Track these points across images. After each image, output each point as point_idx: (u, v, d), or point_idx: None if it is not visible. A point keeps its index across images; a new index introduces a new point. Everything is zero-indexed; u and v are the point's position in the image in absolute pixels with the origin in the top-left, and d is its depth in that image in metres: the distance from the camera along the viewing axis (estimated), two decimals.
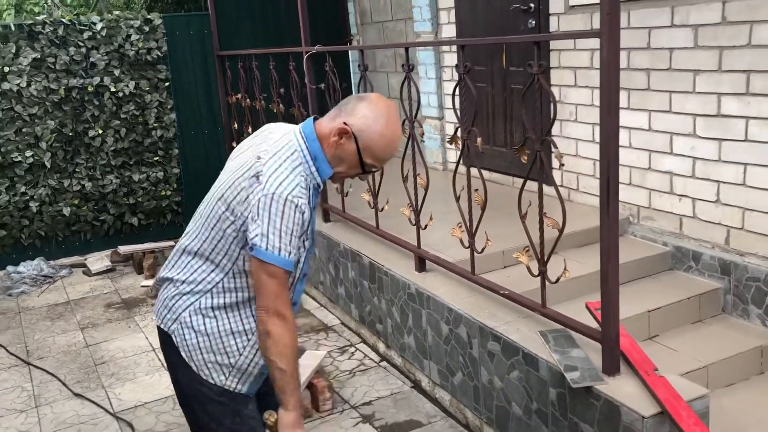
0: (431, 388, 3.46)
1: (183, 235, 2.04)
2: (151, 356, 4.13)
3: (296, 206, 1.78)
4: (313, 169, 1.89)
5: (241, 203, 1.83)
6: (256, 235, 1.77)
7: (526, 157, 2.65)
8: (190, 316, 1.94)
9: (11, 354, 4.27)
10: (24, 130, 5.64)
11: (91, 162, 5.96)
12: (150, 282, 5.27)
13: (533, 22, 4.37)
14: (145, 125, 6.10)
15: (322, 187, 1.94)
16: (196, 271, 1.94)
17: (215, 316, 1.93)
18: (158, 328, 2.02)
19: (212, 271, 1.92)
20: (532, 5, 4.38)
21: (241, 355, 1.95)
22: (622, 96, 3.80)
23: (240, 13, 6.47)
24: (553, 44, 4.26)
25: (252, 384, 2.01)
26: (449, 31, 5.28)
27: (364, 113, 1.88)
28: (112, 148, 5.99)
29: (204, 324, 1.93)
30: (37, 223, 5.84)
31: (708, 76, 3.32)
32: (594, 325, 2.57)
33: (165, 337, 2.00)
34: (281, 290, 1.82)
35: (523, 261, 2.76)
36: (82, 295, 5.27)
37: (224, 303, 1.93)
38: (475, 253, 3.14)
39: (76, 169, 5.91)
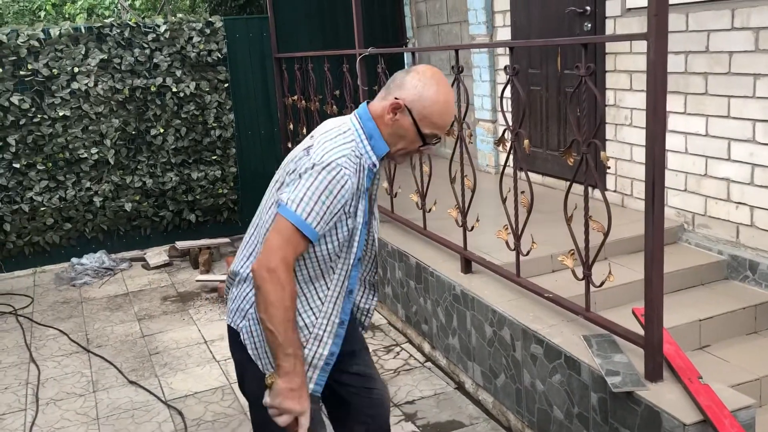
0: (474, 390, 3.46)
1: (248, 230, 2.04)
2: (202, 348, 4.25)
3: (337, 173, 1.75)
4: (368, 147, 1.87)
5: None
6: (284, 194, 1.77)
7: (572, 160, 2.63)
8: (257, 312, 1.90)
9: (73, 341, 4.47)
10: (90, 128, 5.89)
11: (152, 160, 6.18)
12: (205, 277, 5.43)
13: (589, 25, 4.32)
14: (205, 125, 6.29)
15: (377, 166, 1.91)
16: None
17: None
18: (228, 326, 2.01)
19: None
20: (588, 8, 4.33)
21: (304, 348, 1.92)
22: (679, 100, 3.72)
23: (298, 16, 6.60)
24: (609, 47, 4.21)
25: (318, 379, 1.97)
26: (504, 34, 5.26)
27: (413, 83, 1.86)
28: (173, 147, 6.20)
29: None
30: (100, 218, 6.09)
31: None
32: (639, 331, 2.53)
33: (233, 335, 1.98)
34: (282, 246, 1.74)
35: (568, 264, 2.74)
36: (141, 287, 5.47)
37: None
38: (521, 256, 3.13)
39: (138, 167, 6.14)
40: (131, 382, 3.86)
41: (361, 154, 1.84)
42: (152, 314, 4.88)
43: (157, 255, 6.09)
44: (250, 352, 1.93)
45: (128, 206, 6.12)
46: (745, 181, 3.41)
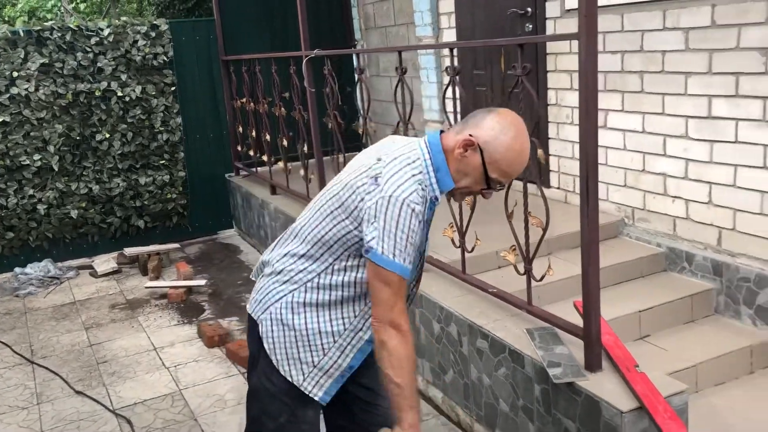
0: (424, 387, 3.50)
1: (293, 224, 2.02)
2: (152, 355, 4.19)
3: (413, 211, 1.73)
4: (434, 180, 1.82)
5: (355, 202, 1.80)
6: (372, 238, 1.73)
7: None
8: (281, 309, 1.92)
9: (16, 353, 4.35)
10: (32, 133, 5.75)
11: (99, 165, 6.06)
12: (155, 283, 5.35)
13: (530, 26, 4.41)
14: (152, 129, 6.20)
15: (439, 201, 1.87)
16: (296, 261, 1.92)
17: (305, 313, 1.91)
18: (248, 315, 2.02)
19: (312, 264, 1.89)
20: (529, 9, 4.42)
21: (325, 355, 1.92)
22: (617, 98, 3.84)
23: (245, 19, 6.56)
24: (550, 48, 4.30)
25: (329, 388, 1.96)
26: (450, 35, 5.33)
27: (491, 125, 1.81)
28: (119, 152, 6.09)
29: (293, 319, 1.91)
30: (44, 225, 5.94)
31: (699, 79, 3.34)
32: (579, 323, 2.60)
33: (253, 326, 2.00)
34: (396, 299, 1.76)
35: (510, 260, 2.80)
36: (88, 296, 5.36)
37: (317, 300, 1.90)
38: (466, 253, 3.19)
39: (84, 173, 6.01)
40: (78, 393, 3.78)
41: (426, 186, 1.80)
42: (100, 323, 4.78)
43: (105, 262, 5.97)
44: (265, 346, 1.94)
45: (74, 213, 5.99)
46: (680, 176, 3.54)
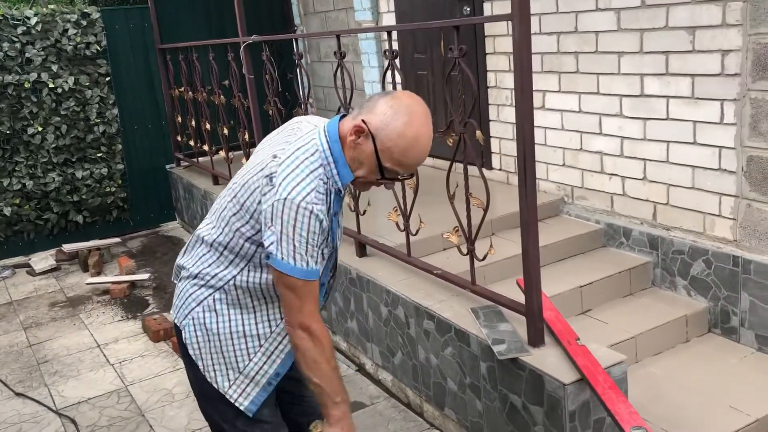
0: (374, 371, 3.52)
1: (201, 223, 1.92)
2: (96, 353, 4.10)
3: (311, 212, 1.63)
4: (335, 172, 1.71)
5: (254, 204, 1.72)
6: (271, 243, 1.65)
7: (451, 141, 2.71)
8: (203, 313, 1.84)
9: None
10: None
11: (32, 160, 5.85)
12: (96, 279, 5.21)
13: (468, 9, 4.44)
14: (87, 121, 6.01)
15: (344, 193, 1.78)
16: (210, 265, 1.83)
17: (228, 315, 1.83)
18: (174, 323, 1.93)
19: (227, 266, 1.81)
20: None
21: (251, 360, 1.85)
22: (554, 79, 3.90)
23: (181, 5, 6.40)
24: (488, 30, 4.34)
25: (255, 397, 1.87)
26: (389, 19, 5.32)
27: (383, 109, 1.67)
28: (53, 146, 5.89)
29: (216, 322, 1.83)
30: None
31: (631, 58, 3.43)
32: (522, 300, 2.65)
33: (178, 333, 1.91)
34: (303, 302, 1.70)
35: (453, 241, 2.83)
36: (26, 295, 5.19)
37: (239, 301, 1.82)
38: (411, 236, 3.21)
39: (16, 168, 5.80)
40: (18, 394, 3.67)
41: (328, 178, 1.70)
42: (40, 322, 4.64)
43: (42, 260, 5.78)
44: (191, 352, 1.87)
45: (8, 211, 5.77)
46: (616, 153, 3.63)
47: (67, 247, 5.82)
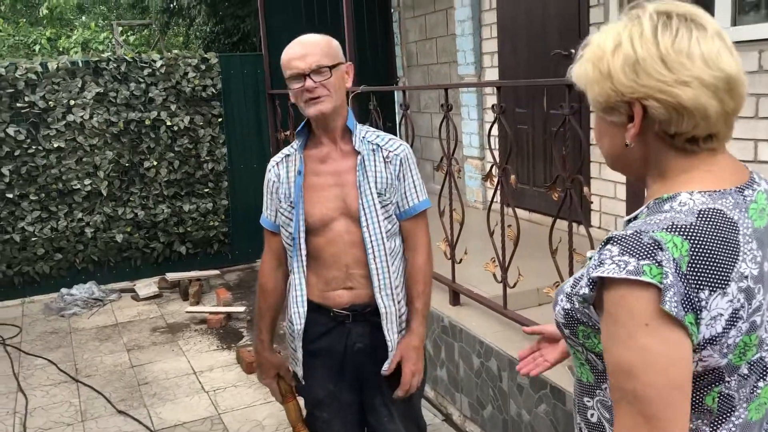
0: (462, 422, 3.50)
1: None
2: (192, 379, 4.27)
3: (268, 170, 2.17)
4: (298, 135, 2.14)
5: None
6: None
7: (556, 195, 2.73)
8: None
9: (61, 371, 4.47)
10: (84, 159, 5.97)
11: (145, 192, 6.25)
12: (195, 308, 5.45)
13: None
14: (198, 158, 6.38)
15: (299, 144, 2.13)
16: None
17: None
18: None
19: None
20: (572, 51, 4.48)
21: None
22: None
23: None
24: None
25: (297, 364, 2.19)
26: (492, 74, 5.42)
27: None
28: (165, 179, 6.27)
29: None
30: (91, 249, 6.12)
31: (745, 122, 3.36)
32: None
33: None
34: (265, 246, 2.23)
35: (552, 296, 2.81)
36: (130, 318, 5.48)
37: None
38: (508, 288, 3.21)
39: (131, 198, 6.20)
40: (120, 412, 3.87)
41: (294, 145, 2.16)
42: (141, 345, 4.89)
43: (146, 286, 6.11)
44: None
45: (119, 237, 6.16)
46: None
47: (170, 276, 6.12)
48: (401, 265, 2.15)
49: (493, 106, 3.11)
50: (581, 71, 1.12)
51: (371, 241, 2.04)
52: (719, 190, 1.04)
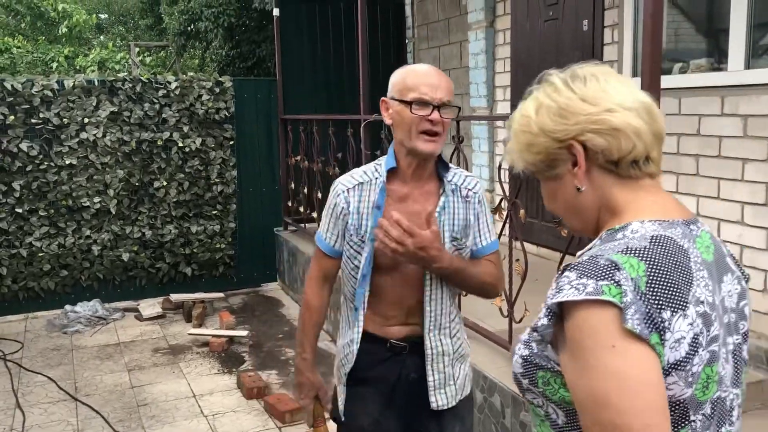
0: None
1: None
2: (191, 402, 4.23)
3: (334, 189, 2.01)
4: (381, 164, 2.00)
5: None
6: None
7: (565, 231, 2.71)
8: None
9: (61, 389, 4.44)
10: (95, 177, 6.00)
11: (153, 211, 6.26)
12: (198, 330, 5.43)
13: None
14: (207, 180, 6.41)
15: (383, 176, 1.96)
16: None
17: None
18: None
19: None
20: None
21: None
22: (671, 180, 3.85)
23: (305, 80, 6.81)
24: None
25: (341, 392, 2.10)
26: (504, 107, 5.45)
27: (392, 80, 2.01)
28: (174, 200, 6.29)
29: None
30: (97, 266, 6.13)
31: (756, 165, 3.35)
32: None
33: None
34: (313, 263, 2.12)
35: None
36: (132, 338, 5.46)
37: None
38: (514, 324, 3.18)
39: (139, 217, 6.22)
40: None
41: (370, 173, 2.01)
42: (142, 365, 4.86)
43: (150, 306, 6.09)
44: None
45: (126, 256, 6.16)
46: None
47: (174, 297, 6.11)
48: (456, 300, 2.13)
49: (504, 139, 3.11)
50: (513, 146, 1.17)
51: (430, 286, 1.99)
52: (668, 220, 1.07)
